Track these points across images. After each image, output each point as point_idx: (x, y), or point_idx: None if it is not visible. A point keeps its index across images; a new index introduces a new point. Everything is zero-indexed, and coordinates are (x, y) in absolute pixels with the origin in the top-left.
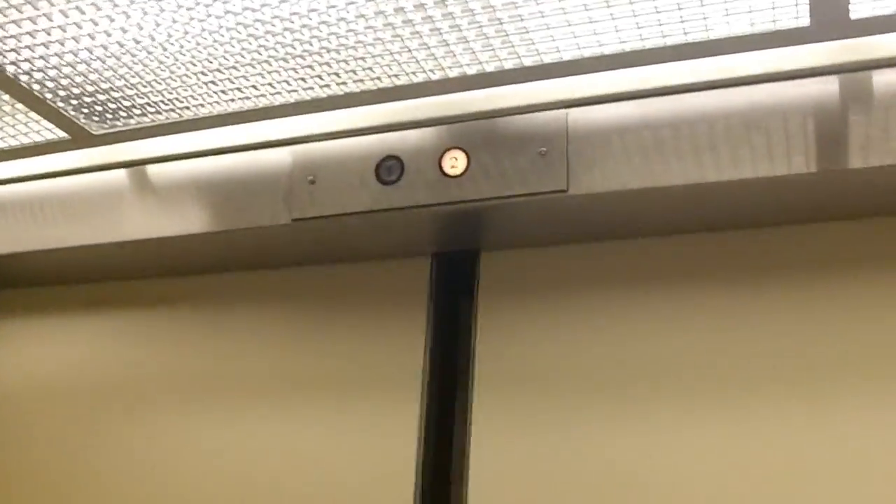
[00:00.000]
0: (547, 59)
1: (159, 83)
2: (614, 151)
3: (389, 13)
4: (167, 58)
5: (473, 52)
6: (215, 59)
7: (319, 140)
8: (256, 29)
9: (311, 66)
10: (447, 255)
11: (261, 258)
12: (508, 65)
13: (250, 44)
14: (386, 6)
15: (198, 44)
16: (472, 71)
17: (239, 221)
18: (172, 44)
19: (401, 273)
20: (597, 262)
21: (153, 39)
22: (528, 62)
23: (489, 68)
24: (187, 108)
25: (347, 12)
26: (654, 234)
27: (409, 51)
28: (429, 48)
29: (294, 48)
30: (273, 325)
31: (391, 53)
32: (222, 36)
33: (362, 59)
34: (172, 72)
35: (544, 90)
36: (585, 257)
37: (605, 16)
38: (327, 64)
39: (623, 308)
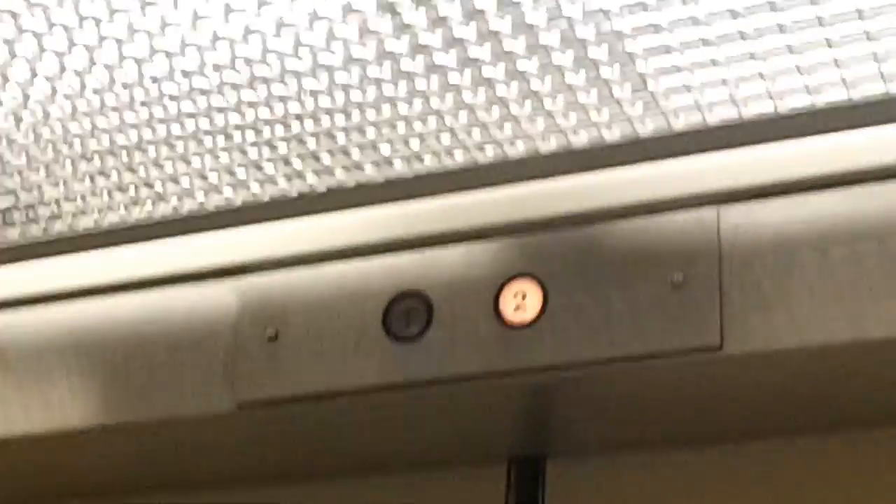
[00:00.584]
0: (678, 125)
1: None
2: (807, 277)
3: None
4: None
5: (550, 116)
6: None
7: (286, 266)
8: (183, 86)
9: (275, 146)
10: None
11: (188, 470)
12: (612, 135)
13: (166, 112)
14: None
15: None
16: (548, 146)
17: (148, 408)
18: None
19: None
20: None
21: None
22: (646, 129)
23: (577, 142)
24: (65, 216)
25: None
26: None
27: (441, 117)
28: (475, 112)
29: (248, 115)
30: None
31: (408, 122)
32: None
33: (358, 129)
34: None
35: (676, 175)
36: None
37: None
38: (300, 140)
39: None
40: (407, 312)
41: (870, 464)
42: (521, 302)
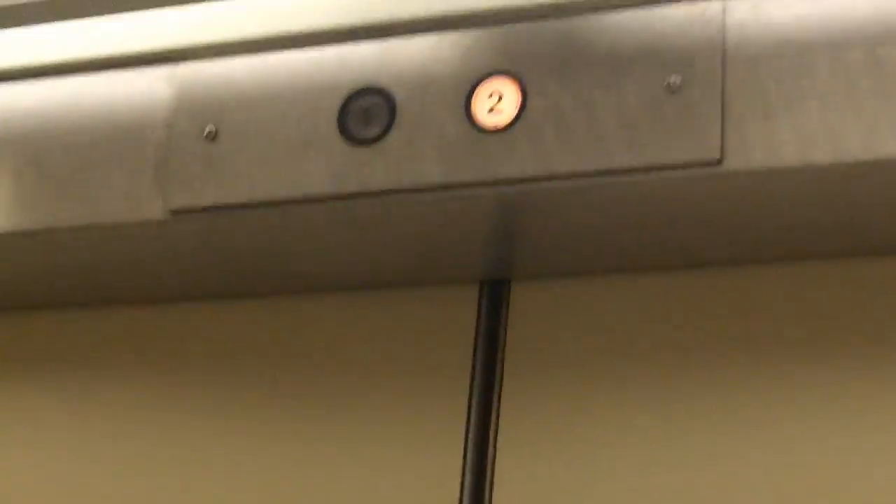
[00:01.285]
0: None
1: None
2: (818, 82)
3: None
4: None
5: None
6: None
7: (229, 53)
8: None
9: None
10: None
11: (111, 284)
12: None
13: None
14: None
15: None
16: None
17: (67, 212)
18: None
19: (407, 309)
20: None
21: None
22: None
23: None
24: None
25: None
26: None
27: None
28: None
29: None
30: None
31: None
32: None
33: None
34: None
35: None
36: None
37: None
38: None
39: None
40: (366, 111)
41: (876, 292)
42: (496, 103)
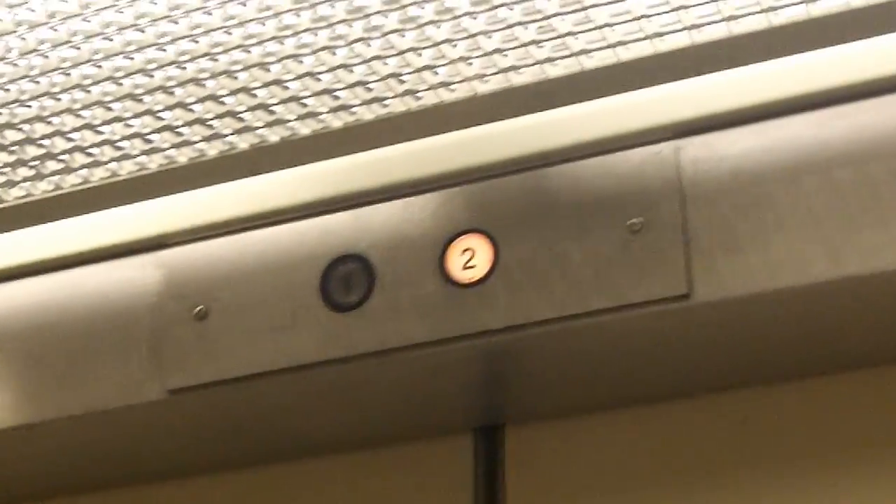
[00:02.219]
0: (625, 55)
1: None
2: (779, 211)
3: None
4: None
5: (499, 54)
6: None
7: (210, 235)
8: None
9: (188, 104)
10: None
11: (118, 466)
12: (556, 70)
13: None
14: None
15: None
16: (487, 87)
17: (70, 403)
18: None
19: (405, 464)
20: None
21: None
22: (591, 62)
23: (519, 80)
24: None
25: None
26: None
27: (368, 63)
28: (404, 55)
29: (157, 76)
30: None
31: (333, 71)
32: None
33: (280, 82)
34: None
35: (628, 109)
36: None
37: None
38: (214, 99)
39: None
40: (346, 278)
41: (855, 405)
42: (470, 258)
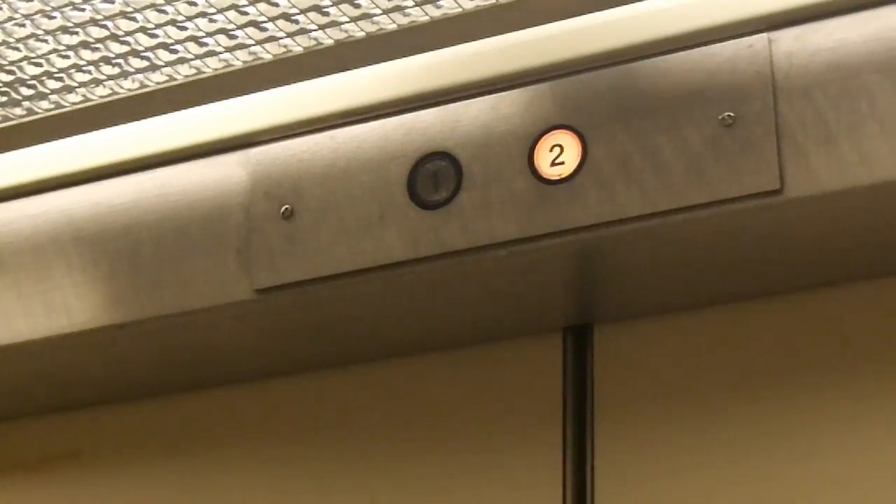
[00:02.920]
0: None
1: None
2: (875, 104)
3: None
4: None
5: None
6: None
7: (296, 135)
8: None
9: (274, 2)
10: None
11: (207, 367)
12: None
13: None
14: None
15: None
16: None
17: (160, 302)
18: None
19: (494, 364)
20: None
21: None
22: None
23: None
24: (46, 93)
25: None
26: None
27: None
28: None
29: None
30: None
31: None
32: None
33: None
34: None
35: (720, 2)
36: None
37: None
38: None
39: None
40: (434, 175)
41: None
42: (559, 155)
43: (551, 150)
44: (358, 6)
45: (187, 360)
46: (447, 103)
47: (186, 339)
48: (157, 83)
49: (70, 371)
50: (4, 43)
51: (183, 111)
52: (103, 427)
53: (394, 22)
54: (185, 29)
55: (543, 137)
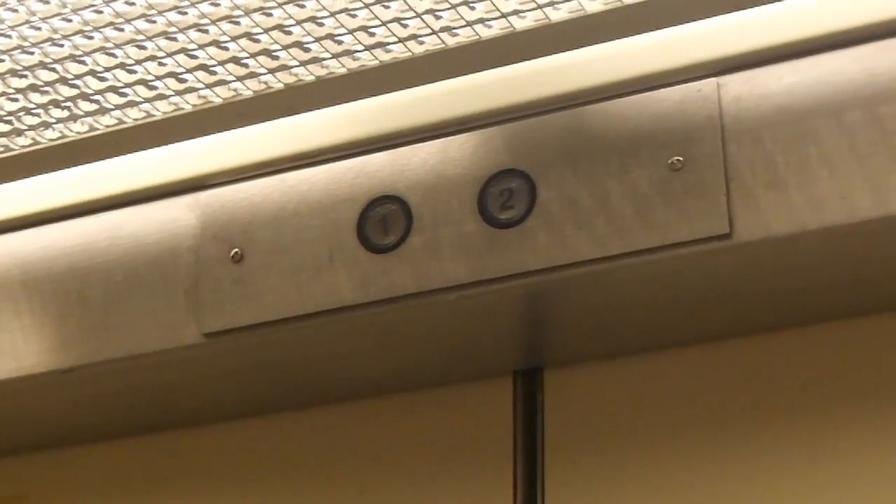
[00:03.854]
0: None
1: None
2: (823, 148)
3: None
4: None
5: None
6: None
7: (246, 178)
8: None
9: (224, 46)
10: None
11: (155, 411)
12: (594, 6)
13: (100, 14)
14: None
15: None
16: (524, 23)
17: (107, 346)
18: None
19: (444, 407)
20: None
21: None
22: None
23: (556, 15)
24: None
25: None
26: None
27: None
28: None
29: (191, 13)
30: None
31: (365, 7)
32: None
33: (314, 20)
34: None
35: (667, 45)
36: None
37: None
38: (249, 37)
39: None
40: (383, 219)
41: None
42: (508, 199)
43: (501, 194)
44: (308, 50)
45: (136, 403)
46: (396, 147)
47: (135, 383)
48: (107, 126)
49: (18, 414)
50: None
51: (132, 154)
52: (51, 471)
53: (343, 66)
54: (135, 72)
55: (493, 181)
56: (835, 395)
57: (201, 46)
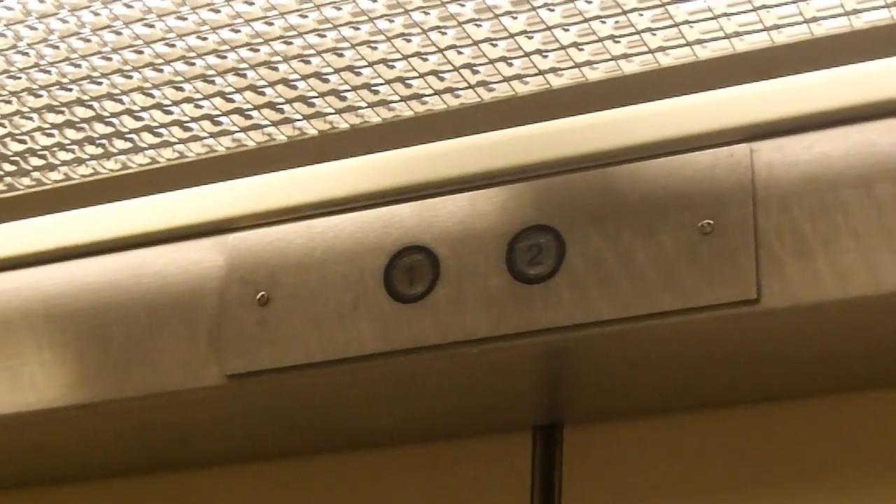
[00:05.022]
0: (703, 53)
1: None
2: (852, 219)
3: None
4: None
5: (562, 48)
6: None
7: (276, 221)
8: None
9: (261, 91)
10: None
11: (173, 450)
12: (631, 66)
13: (140, 55)
14: None
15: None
16: (561, 81)
17: (128, 384)
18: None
19: (462, 460)
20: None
21: None
22: (668, 59)
23: (593, 75)
24: (28, 170)
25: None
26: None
27: (435, 53)
28: (480, 45)
29: (230, 57)
30: None
31: (403, 59)
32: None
33: (352, 69)
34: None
35: (703, 109)
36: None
37: None
38: (286, 83)
39: None
40: (410, 269)
41: None
42: (537, 255)
43: (529, 249)
44: (344, 99)
45: (154, 442)
46: (426, 198)
47: (154, 422)
48: (140, 165)
49: (36, 447)
50: None
51: (163, 194)
52: None
53: (378, 115)
54: (171, 113)
55: (522, 236)
56: (855, 466)
57: (238, 90)
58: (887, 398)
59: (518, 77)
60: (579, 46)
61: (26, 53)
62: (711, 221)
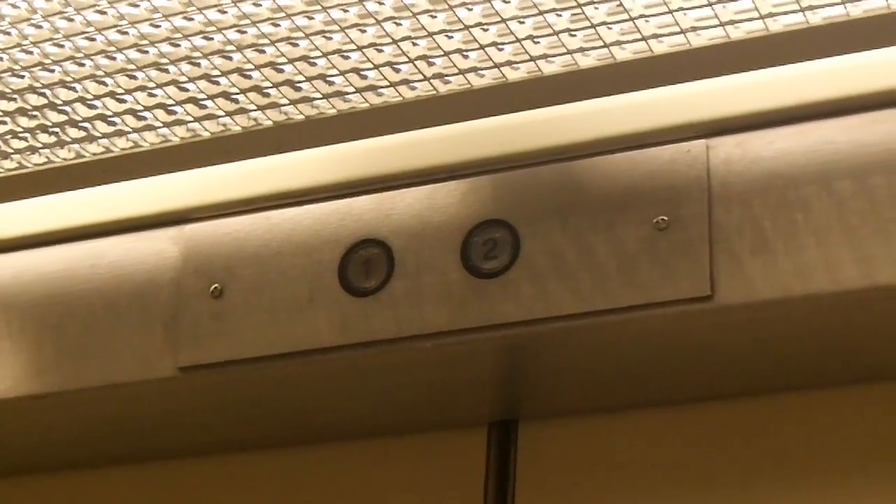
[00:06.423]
0: (660, 48)
1: None
2: (810, 216)
3: None
4: None
5: (518, 42)
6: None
7: (232, 214)
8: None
9: (215, 80)
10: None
11: (127, 441)
12: (588, 61)
13: (92, 42)
14: None
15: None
16: (517, 74)
17: (83, 375)
18: None
19: (417, 455)
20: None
21: None
22: (624, 54)
23: (549, 69)
24: None
25: None
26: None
27: (397, 44)
28: (436, 38)
29: (183, 46)
30: None
31: (357, 50)
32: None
33: (307, 58)
34: None
35: (659, 105)
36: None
37: None
38: (240, 73)
39: None
40: (366, 262)
41: (884, 419)
42: (491, 249)
43: (484, 244)
44: (299, 89)
45: (109, 433)
46: (383, 191)
47: (108, 413)
48: (94, 154)
49: None
50: None
51: (118, 183)
52: (18, 498)
53: (334, 107)
54: (124, 102)
55: (477, 229)
56: (811, 462)
57: (192, 79)
58: (845, 395)
59: (474, 70)
60: (535, 39)
61: None
62: (666, 217)
